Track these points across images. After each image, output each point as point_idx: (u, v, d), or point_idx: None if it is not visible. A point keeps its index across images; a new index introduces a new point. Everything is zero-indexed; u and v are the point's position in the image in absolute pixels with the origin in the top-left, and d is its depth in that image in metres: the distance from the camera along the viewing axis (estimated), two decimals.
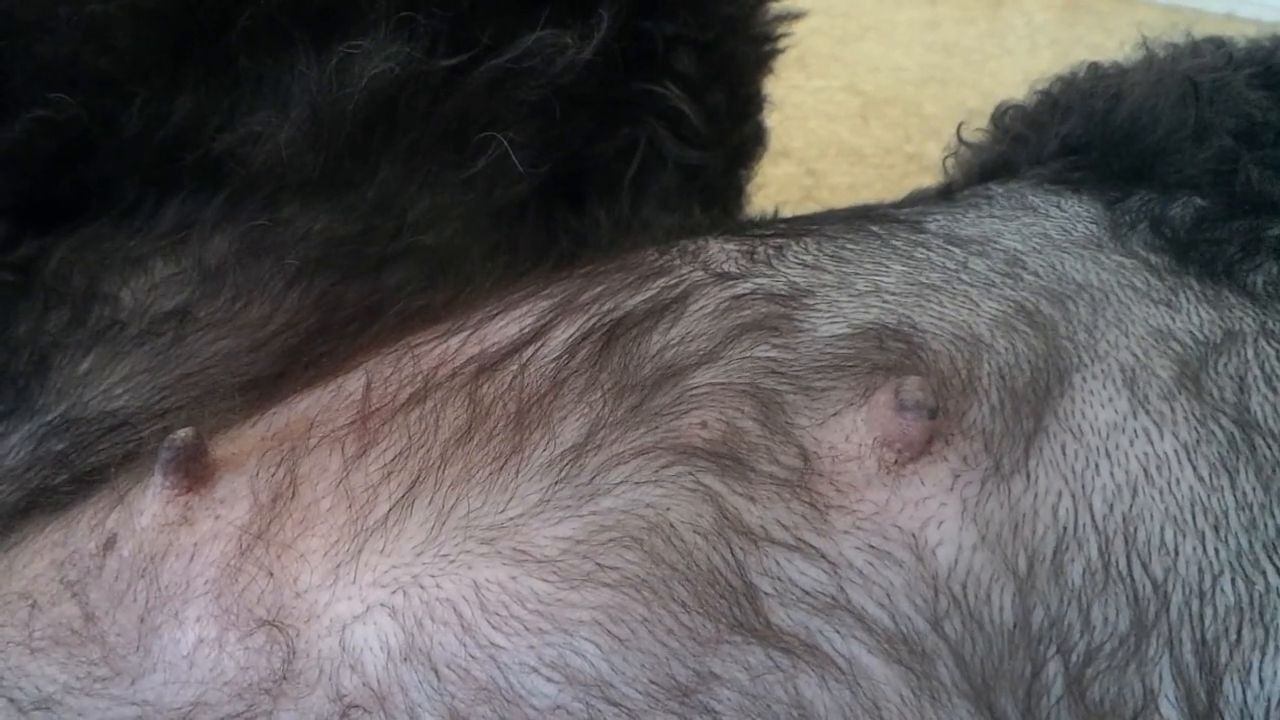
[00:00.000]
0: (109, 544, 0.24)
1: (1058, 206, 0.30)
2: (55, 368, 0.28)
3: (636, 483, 0.22)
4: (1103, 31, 0.86)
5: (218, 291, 0.29)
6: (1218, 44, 0.36)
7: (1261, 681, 0.21)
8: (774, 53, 0.42)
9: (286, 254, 0.29)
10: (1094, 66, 0.36)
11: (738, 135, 0.41)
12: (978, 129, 0.38)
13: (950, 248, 0.27)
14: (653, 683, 0.21)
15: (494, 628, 0.21)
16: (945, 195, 0.33)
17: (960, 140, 0.37)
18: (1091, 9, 0.90)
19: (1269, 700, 0.21)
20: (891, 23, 0.87)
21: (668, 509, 0.22)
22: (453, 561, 0.22)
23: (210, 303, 0.28)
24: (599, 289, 0.26)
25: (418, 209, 0.31)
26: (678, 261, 0.27)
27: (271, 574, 0.23)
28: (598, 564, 0.22)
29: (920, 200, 0.33)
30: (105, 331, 0.28)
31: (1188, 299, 0.26)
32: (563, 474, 0.23)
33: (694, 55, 0.37)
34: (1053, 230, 0.29)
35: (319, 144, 0.30)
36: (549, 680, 0.21)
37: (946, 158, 0.38)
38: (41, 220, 0.30)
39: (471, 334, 0.26)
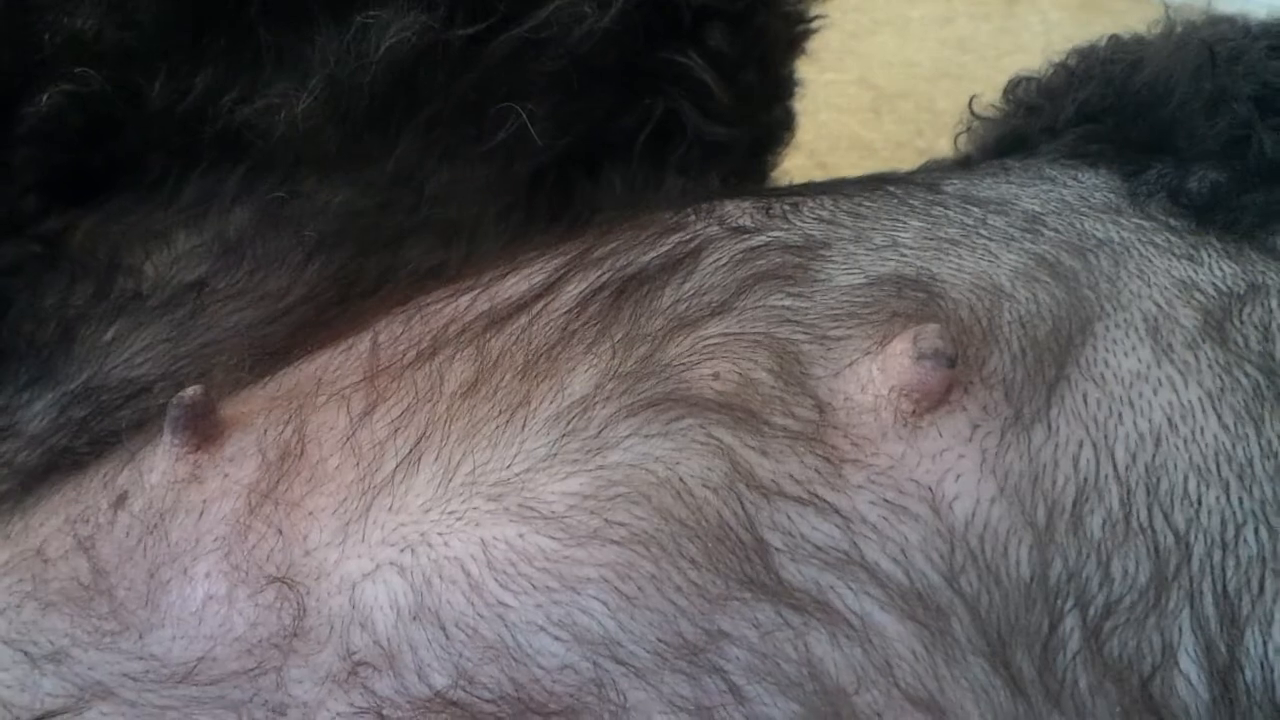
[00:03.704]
0: (120, 501, 0.24)
1: (1075, 179, 0.30)
2: (79, 338, 0.28)
3: (646, 436, 0.22)
4: (1118, 29, 0.85)
5: (237, 263, 0.29)
6: (1236, 20, 0.35)
7: None
8: (805, 34, 0.41)
9: (305, 226, 0.29)
10: (1115, 37, 0.35)
11: (766, 116, 0.40)
12: (990, 104, 0.37)
13: (968, 206, 0.27)
14: (661, 641, 0.21)
15: (501, 586, 0.21)
16: (961, 165, 0.33)
17: (972, 114, 0.37)
18: (1106, 7, 0.89)
19: None
20: (905, 17, 0.87)
21: (677, 463, 0.22)
22: (460, 519, 0.22)
23: (230, 274, 0.28)
24: (612, 245, 0.25)
25: (436, 182, 0.31)
26: (692, 218, 0.27)
27: (281, 532, 0.23)
28: (605, 520, 0.21)
29: (936, 169, 0.33)
30: (128, 303, 0.28)
31: (1210, 254, 0.25)
32: (570, 427, 0.22)
33: (723, 27, 0.36)
34: (1070, 197, 0.29)
35: (337, 117, 0.30)
36: (556, 639, 0.21)
37: (959, 135, 0.37)
38: (70, 194, 0.30)
39: (482, 291, 0.26)
